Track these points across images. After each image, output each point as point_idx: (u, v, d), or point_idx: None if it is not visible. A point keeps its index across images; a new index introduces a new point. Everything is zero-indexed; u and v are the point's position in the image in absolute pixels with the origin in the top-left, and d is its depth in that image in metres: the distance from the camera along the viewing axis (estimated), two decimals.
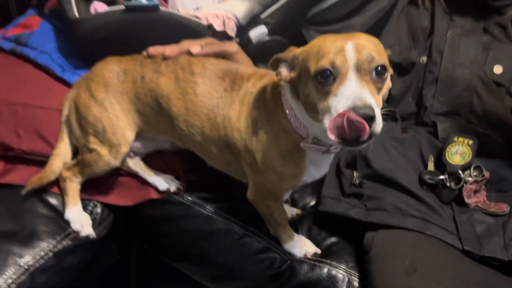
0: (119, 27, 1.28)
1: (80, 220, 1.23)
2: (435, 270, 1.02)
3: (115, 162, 1.22)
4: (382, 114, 0.85)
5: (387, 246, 1.12)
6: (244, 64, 1.19)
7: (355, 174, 1.30)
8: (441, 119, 1.36)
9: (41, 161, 1.28)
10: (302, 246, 1.25)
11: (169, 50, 1.18)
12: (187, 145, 1.21)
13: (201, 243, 1.30)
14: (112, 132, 1.18)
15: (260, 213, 1.20)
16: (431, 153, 1.32)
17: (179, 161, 1.38)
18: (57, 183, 1.27)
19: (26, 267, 1.12)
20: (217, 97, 1.11)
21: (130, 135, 1.21)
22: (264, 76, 1.10)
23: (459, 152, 1.25)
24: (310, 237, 1.30)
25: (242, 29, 1.43)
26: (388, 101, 1.50)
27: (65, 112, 1.26)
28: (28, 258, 1.13)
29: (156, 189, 1.34)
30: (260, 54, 1.36)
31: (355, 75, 0.85)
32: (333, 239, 1.29)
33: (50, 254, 1.16)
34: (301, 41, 1.16)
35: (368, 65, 0.86)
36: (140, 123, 1.21)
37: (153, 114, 1.18)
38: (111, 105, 1.18)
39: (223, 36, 1.38)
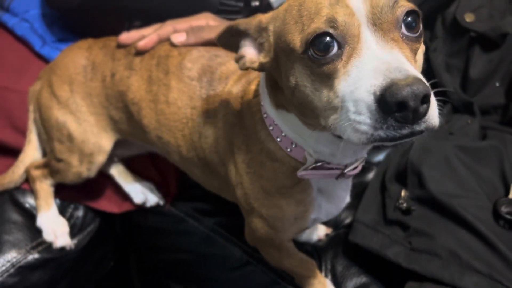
0: None
1: (54, 229, 1.03)
2: None
3: (89, 174, 0.98)
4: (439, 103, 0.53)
5: None
6: None
7: (402, 194, 0.95)
8: None
9: (15, 151, 1.08)
10: None
11: (145, 40, 0.88)
12: (170, 160, 0.94)
13: (196, 266, 1.05)
14: (81, 139, 0.94)
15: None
16: None
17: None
18: None
19: None
20: (191, 107, 0.82)
21: (106, 143, 0.95)
22: (244, 76, 0.78)
23: None
24: (334, 270, 0.99)
25: None
26: (465, 86, 1.10)
27: (31, 108, 1.03)
28: None
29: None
30: None
31: (375, 34, 0.53)
32: (364, 280, 0.97)
33: (12, 269, 0.98)
34: None
35: (392, 12, 0.54)
36: (118, 131, 0.95)
37: (127, 122, 0.92)
38: (77, 107, 0.93)
39: None
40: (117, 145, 1.00)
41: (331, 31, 0.53)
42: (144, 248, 1.16)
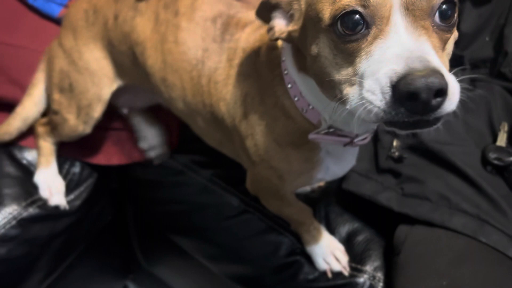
0: None
1: (50, 186, 1.04)
2: None
3: (84, 128, 0.98)
4: None
5: (423, 253, 0.84)
6: (252, 4, 0.84)
7: (395, 143, 0.98)
8: None
9: (13, 106, 1.08)
10: (327, 256, 0.94)
11: None
12: (173, 110, 0.94)
13: (194, 216, 1.08)
14: (81, 90, 0.93)
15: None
16: (505, 121, 0.97)
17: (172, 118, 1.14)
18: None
19: None
20: (203, 49, 0.80)
21: (105, 93, 0.94)
22: (262, 26, 0.76)
23: None
24: (327, 217, 1.03)
25: None
26: (456, 41, 1.11)
27: (42, 66, 1.03)
28: None
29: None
30: None
31: (405, 19, 0.52)
32: (356, 225, 1.01)
33: (13, 222, 0.99)
34: None
35: (427, 0, 0.52)
36: (120, 77, 0.95)
37: (131, 66, 0.91)
38: (80, 55, 0.92)
39: None
40: (121, 98, 1.00)
41: (360, 9, 0.52)
42: (142, 201, 1.19)
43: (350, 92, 0.54)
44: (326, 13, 0.54)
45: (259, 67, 0.74)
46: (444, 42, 0.55)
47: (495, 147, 0.92)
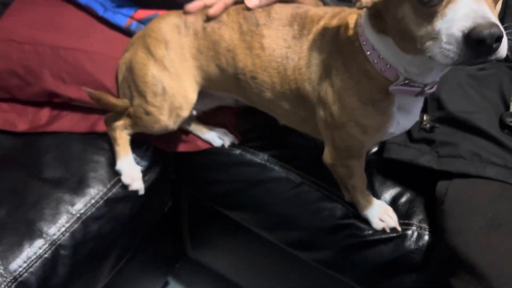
0: None
1: (131, 174, 1.17)
2: None
3: (173, 127, 1.12)
4: None
5: (465, 198, 1.00)
6: (311, 5, 1.05)
7: (425, 118, 1.17)
8: None
9: (87, 108, 1.24)
10: (382, 216, 1.10)
11: (214, 8, 1.03)
12: (255, 103, 1.10)
13: (253, 192, 1.22)
14: (173, 93, 1.07)
15: (337, 177, 1.09)
16: None
17: (229, 115, 1.30)
18: None
19: (78, 215, 1.09)
20: (286, 47, 0.98)
21: (192, 96, 1.09)
22: (335, 16, 0.96)
23: None
24: (373, 186, 1.19)
25: None
26: None
27: (120, 74, 1.15)
28: (79, 205, 1.11)
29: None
30: None
31: None
32: (398, 189, 1.18)
33: (101, 201, 1.13)
34: None
35: None
36: (203, 82, 1.10)
37: (217, 70, 1.07)
38: (171, 63, 1.07)
39: None
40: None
41: None
42: (200, 183, 1.32)
43: (431, 44, 0.73)
44: None
45: (340, 44, 0.92)
46: (496, 3, 0.75)
47: (510, 113, 1.11)
